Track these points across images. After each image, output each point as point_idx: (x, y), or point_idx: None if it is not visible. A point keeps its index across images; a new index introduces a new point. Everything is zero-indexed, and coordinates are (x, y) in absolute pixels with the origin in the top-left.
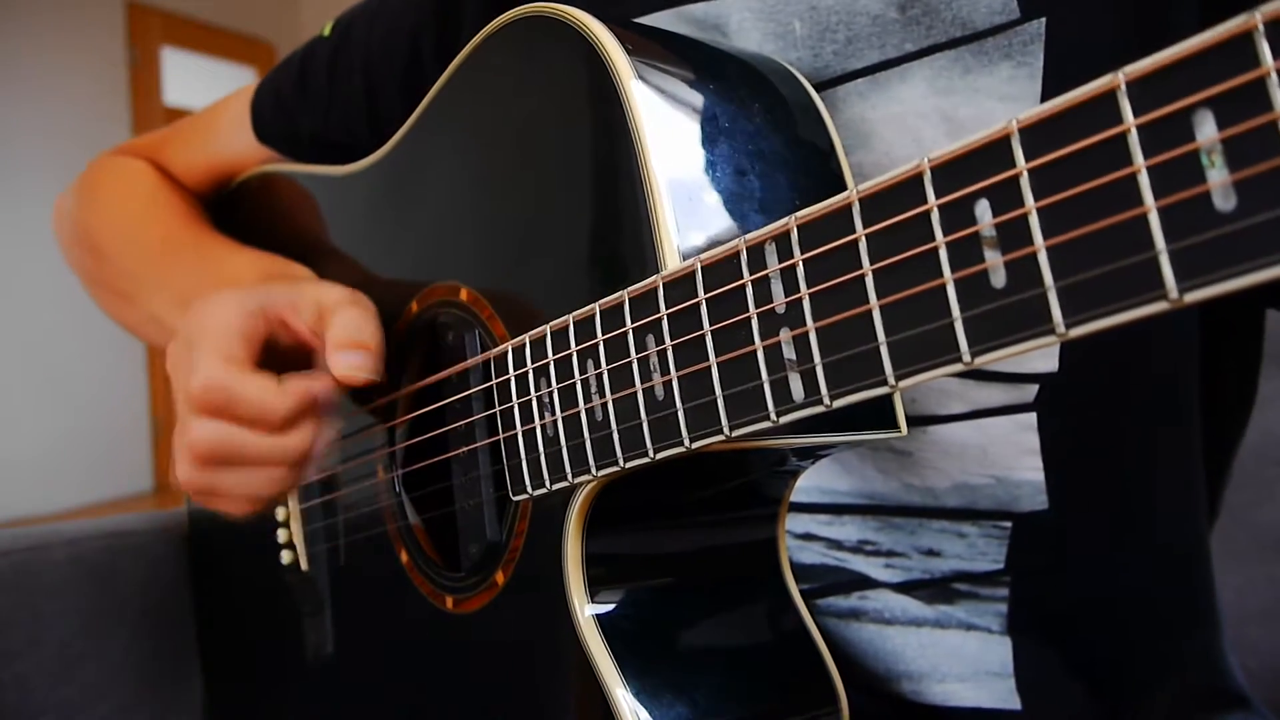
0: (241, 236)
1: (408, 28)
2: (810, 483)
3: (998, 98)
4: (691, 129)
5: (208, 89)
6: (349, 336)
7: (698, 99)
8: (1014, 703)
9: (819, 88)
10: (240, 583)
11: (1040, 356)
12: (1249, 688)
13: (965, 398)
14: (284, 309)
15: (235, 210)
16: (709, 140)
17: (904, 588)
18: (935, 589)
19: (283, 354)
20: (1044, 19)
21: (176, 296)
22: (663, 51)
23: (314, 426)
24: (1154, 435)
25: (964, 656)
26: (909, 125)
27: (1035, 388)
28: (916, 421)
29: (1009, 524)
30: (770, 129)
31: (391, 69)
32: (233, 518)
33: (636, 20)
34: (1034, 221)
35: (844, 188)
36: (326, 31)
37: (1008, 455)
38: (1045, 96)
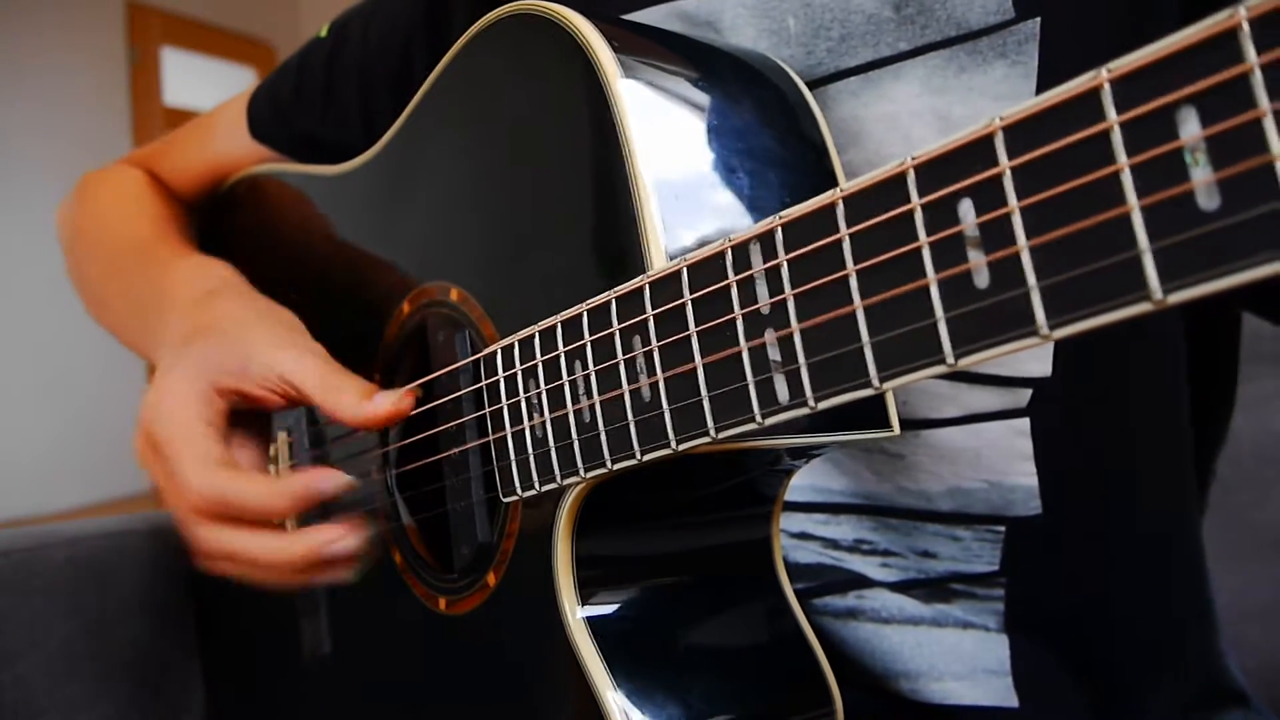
0: (232, 239)
1: (401, 28)
2: (806, 482)
3: (992, 97)
4: (680, 127)
5: (208, 89)
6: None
7: (687, 96)
8: (1011, 700)
9: (812, 85)
10: (239, 583)
11: (1033, 360)
12: (1248, 687)
13: (958, 401)
14: (233, 380)
15: (227, 212)
16: (698, 138)
17: (900, 587)
18: (931, 588)
19: (242, 414)
20: (1039, 19)
21: (135, 306)
22: (651, 48)
23: (324, 533)
24: (1146, 437)
25: (961, 655)
26: (901, 124)
27: (1028, 392)
28: (909, 425)
29: (1003, 528)
30: (761, 126)
31: (385, 70)
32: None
33: (628, 16)
34: (1017, 221)
35: (836, 185)
36: (323, 33)
37: (1001, 460)
38: None
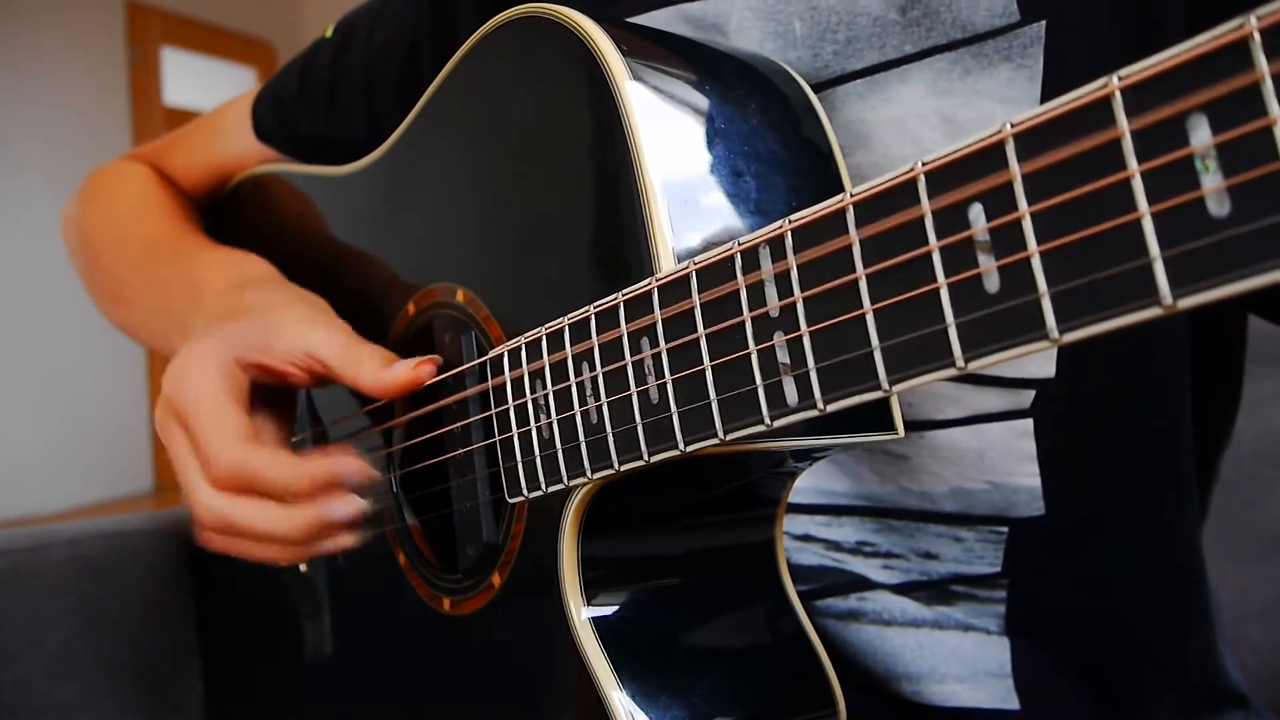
0: (238, 238)
1: (407, 29)
2: (809, 484)
3: (997, 100)
4: (687, 130)
5: (208, 89)
6: (384, 360)
7: (694, 99)
8: (1012, 703)
9: (818, 88)
10: (240, 583)
11: (1037, 361)
12: (1248, 687)
13: (962, 403)
14: (256, 355)
15: (232, 212)
16: (705, 141)
17: (902, 589)
18: (933, 590)
19: (261, 390)
20: (1044, 21)
21: (158, 300)
22: (659, 52)
23: (331, 503)
24: (1149, 439)
25: (962, 657)
26: (908, 126)
27: (1032, 393)
28: (913, 426)
29: (1006, 529)
30: (767, 130)
31: (390, 70)
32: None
33: (634, 20)
34: (1027, 227)
35: (842, 189)
36: (329, 33)
37: (1005, 461)
38: (1045, 99)
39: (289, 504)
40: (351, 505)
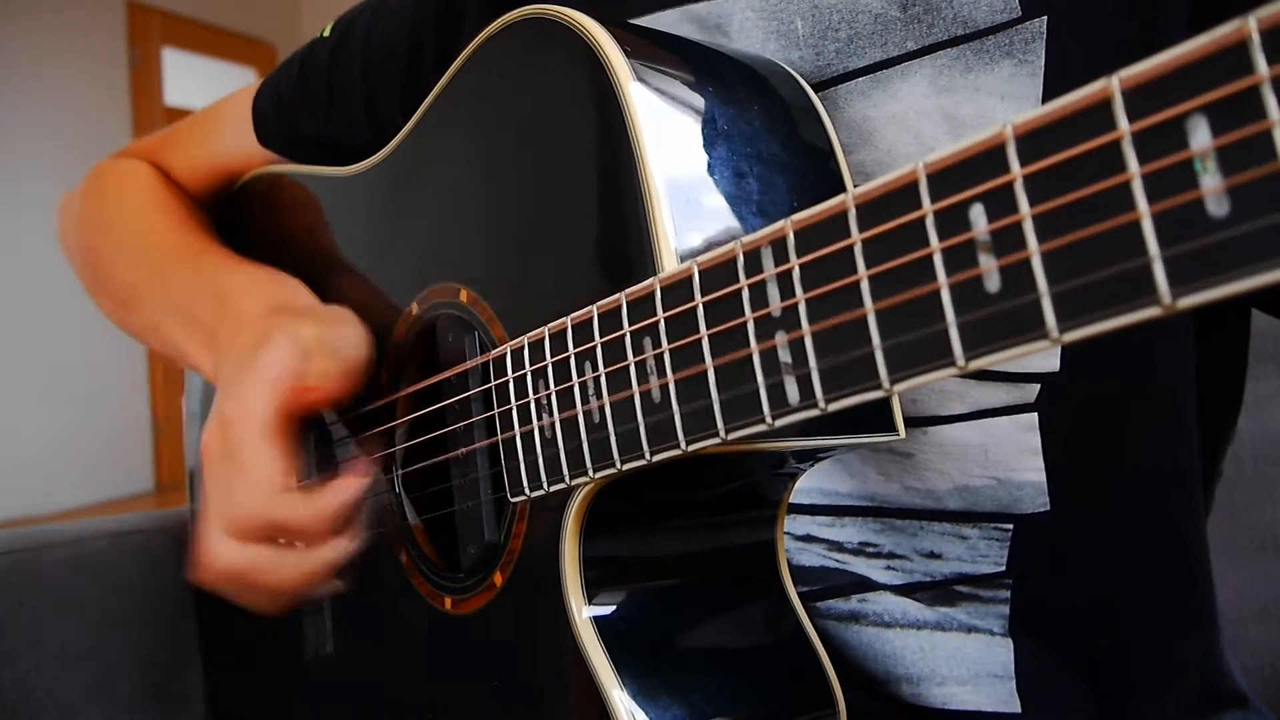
0: (244, 238)
1: (407, 28)
2: (811, 484)
3: (999, 96)
4: (690, 131)
5: (208, 89)
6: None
7: (696, 101)
8: (1014, 705)
9: (821, 86)
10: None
11: (1041, 356)
12: (1248, 687)
13: (966, 398)
14: (299, 377)
15: (238, 211)
16: (707, 142)
17: (904, 590)
18: (936, 591)
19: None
20: (1045, 17)
21: (175, 307)
22: (661, 53)
23: (343, 540)
24: (1154, 435)
25: (964, 659)
26: (910, 123)
27: (1036, 387)
28: (918, 422)
29: (1010, 526)
30: (769, 131)
31: (391, 69)
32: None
33: (638, 20)
34: (1028, 227)
35: (843, 189)
36: (327, 32)
37: (1009, 456)
38: (1047, 95)
39: (303, 548)
40: (356, 541)
